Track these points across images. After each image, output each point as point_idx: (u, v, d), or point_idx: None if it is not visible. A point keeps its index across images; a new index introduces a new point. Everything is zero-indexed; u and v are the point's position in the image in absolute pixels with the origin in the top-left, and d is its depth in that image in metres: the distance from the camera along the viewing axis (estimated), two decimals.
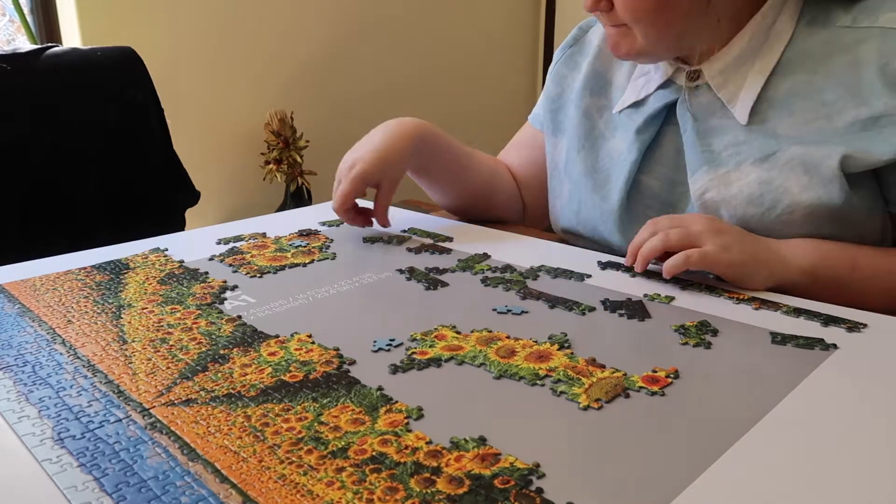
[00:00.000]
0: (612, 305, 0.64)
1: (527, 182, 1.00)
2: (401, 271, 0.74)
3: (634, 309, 0.63)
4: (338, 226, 0.92)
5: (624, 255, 0.74)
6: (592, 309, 0.63)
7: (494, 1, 2.95)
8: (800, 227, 0.70)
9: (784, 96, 0.72)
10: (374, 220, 0.88)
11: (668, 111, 0.80)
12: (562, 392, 0.49)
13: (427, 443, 0.43)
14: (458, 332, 0.59)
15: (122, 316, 0.63)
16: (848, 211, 0.68)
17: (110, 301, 0.67)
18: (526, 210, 1.02)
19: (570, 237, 0.92)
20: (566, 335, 0.58)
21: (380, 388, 0.50)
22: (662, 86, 0.81)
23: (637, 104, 0.83)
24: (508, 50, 3.05)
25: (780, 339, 0.57)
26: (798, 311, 0.62)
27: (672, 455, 0.42)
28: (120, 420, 0.47)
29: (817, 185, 0.68)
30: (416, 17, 2.70)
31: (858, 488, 0.39)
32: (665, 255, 0.68)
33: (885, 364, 0.53)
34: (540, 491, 0.39)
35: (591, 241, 0.88)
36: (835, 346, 0.55)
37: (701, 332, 0.58)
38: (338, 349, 0.56)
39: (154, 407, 0.48)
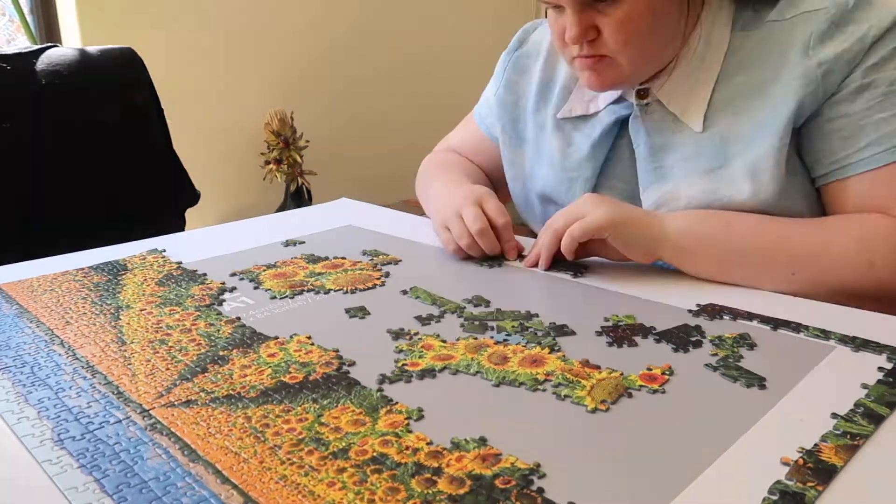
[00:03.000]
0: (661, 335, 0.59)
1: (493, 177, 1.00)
2: (404, 292, 0.73)
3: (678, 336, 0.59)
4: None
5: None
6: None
7: (494, 5, 2.95)
8: None
9: (729, 98, 0.74)
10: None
11: (621, 125, 0.81)
12: (566, 396, 0.49)
13: (428, 443, 0.43)
14: (444, 341, 0.58)
15: (121, 317, 0.63)
16: (787, 207, 0.71)
17: (109, 302, 0.67)
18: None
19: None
20: (555, 338, 0.57)
21: (380, 390, 0.50)
22: (616, 101, 0.81)
23: (585, 116, 0.84)
24: None
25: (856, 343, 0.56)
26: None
27: (673, 454, 0.42)
28: (120, 421, 0.47)
29: (759, 190, 0.71)
30: (415, 17, 2.70)
31: (858, 485, 0.39)
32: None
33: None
34: (541, 491, 0.39)
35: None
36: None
37: (737, 345, 0.57)
38: (337, 350, 0.56)
39: (154, 408, 0.48)
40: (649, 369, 0.52)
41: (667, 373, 0.52)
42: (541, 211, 0.90)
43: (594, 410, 0.47)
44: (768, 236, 0.69)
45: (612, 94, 0.81)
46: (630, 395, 0.49)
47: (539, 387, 0.50)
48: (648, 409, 0.47)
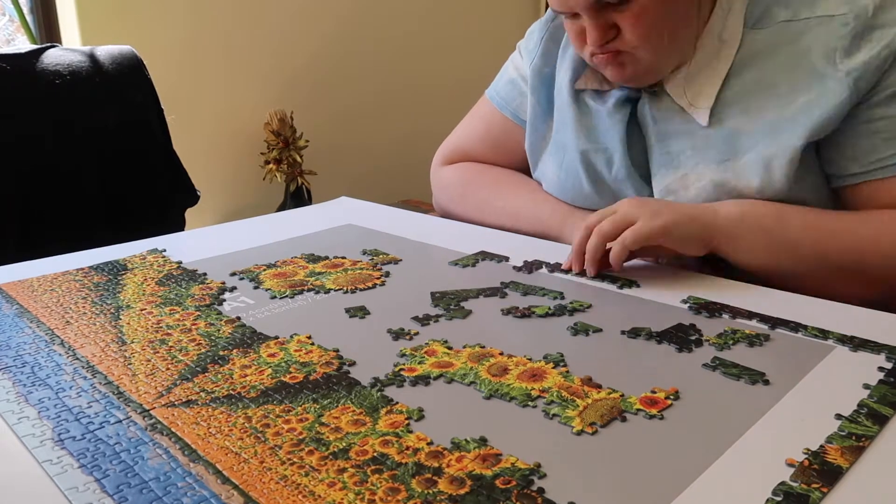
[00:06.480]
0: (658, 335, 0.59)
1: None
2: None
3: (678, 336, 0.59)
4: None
5: None
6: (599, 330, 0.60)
7: (494, 4, 2.95)
8: None
9: (738, 96, 0.75)
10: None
11: (633, 107, 0.82)
12: (554, 415, 0.47)
13: (428, 443, 0.43)
14: (450, 348, 0.57)
15: (121, 317, 0.63)
16: (796, 202, 0.72)
17: (109, 302, 0.67)
18: None
19: None
20: (562, 355, 0.55)
21: (380, 390, 0.50)
22: (621, 87, 0.82)
23: (598, 91, 0.84)
24: (508, 53, 3.05)
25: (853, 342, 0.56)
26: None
27: (675, 453, 0.42)
28: (120, 421, 0.46)
29: (770, 185, 0.72)
30: (415, 17, 2.70)
31: (862, 487, 0.39)
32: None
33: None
34: (541, 491, 0.39)
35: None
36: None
37: (736, 341, 0.57)
38: (337, 350, 0.56)
39: (154, 408, 0.48)
40: (653, 392, 0.49)
41: (671, 397, 0.48)
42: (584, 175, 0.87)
43: (580, 433, 0.45)
44: (820, 232, 0.70)
45: None
46: (624, 419, 0.46)
47: (530, 403, 0.48)
48: (640, 435, 0.45)
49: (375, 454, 0.42)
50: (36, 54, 1.24)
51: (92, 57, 1.28)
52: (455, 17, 2.83)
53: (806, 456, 0.42)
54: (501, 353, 0.55)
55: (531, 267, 0.75)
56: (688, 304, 0.64)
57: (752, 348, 0.56)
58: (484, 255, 0.79)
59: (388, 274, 0.74)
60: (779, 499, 0.38)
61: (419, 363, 0.54)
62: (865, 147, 0.72)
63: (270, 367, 0.54)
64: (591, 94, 0.85)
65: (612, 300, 0.66)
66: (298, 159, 2.31)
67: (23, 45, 1.86)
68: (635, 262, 0.78)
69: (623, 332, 0.59)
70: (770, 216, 0.71)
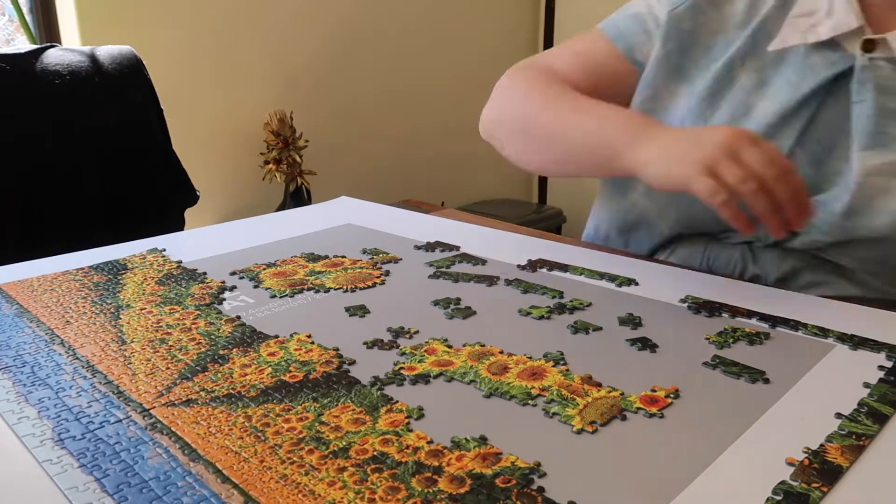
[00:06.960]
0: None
1: None
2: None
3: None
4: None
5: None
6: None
7: (494, 3, 2.95)
8: None
9: None
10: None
11: (829, 83, 0.70)
12: (554, 413, 0.47)
13: (428, 442, 0.43)
14: (450, 347, 0.57)
15: (121, 316, 0.63)
16: None
17: (109, 301, 0.67)
18: None
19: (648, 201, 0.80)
20: (562, 353, 0.55)
21: (380, 389, 0.50)
22: (829, 47, 0.70)
23: (792, 62, 0.72)
24: (508, 53, 3.05)
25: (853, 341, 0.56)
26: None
27: (675, 452, 0.42)
28: (120, 420, 0.46)
29: None
30: (415, 18, 2.70)
31: (862, 486, 0.39)
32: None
33: None
34: (541, 490, 0.39)
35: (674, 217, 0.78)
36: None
37: (736, 339, 0.57)
38: (337, 349, 0.56)
39: (154, 407, 0.48)
40: (653, 391, 0.49)
41: (671, 396, 0.49)
42: None
43: (580, 432, 0.45)
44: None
45: (837, 26, 0.70)
46: (624, 418, 0.46)
47: (530, 402, 0.48)
48: (640, 433, 0.45)
49: (375, 453, 0.42)
50: (36, 54, 1.24)
51: (92, 57, 1.28)
52: (455, 17, 2.83)
53: (806, 455, 0.42)
54: (501, 352, 0.55)
55: (535, 266, 0.75)
56: (686, 304, 0.64)
57: (753, 347, 0.56)
58: (462, 258, 0.78)
59: (387, 273, 0.74)
60: (779, 498, 0.38)
61: (419, 362, 0.54)
62: None
63: (270, 366, 0.54)
64: (775, 66, 0.73)
65: (611, 298, 0.66)
66: (298, 159, 2.31)
67: (23, 45, 1.86)
68: (635, 260, 0.78)
69: (622, 324, 0.59)
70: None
